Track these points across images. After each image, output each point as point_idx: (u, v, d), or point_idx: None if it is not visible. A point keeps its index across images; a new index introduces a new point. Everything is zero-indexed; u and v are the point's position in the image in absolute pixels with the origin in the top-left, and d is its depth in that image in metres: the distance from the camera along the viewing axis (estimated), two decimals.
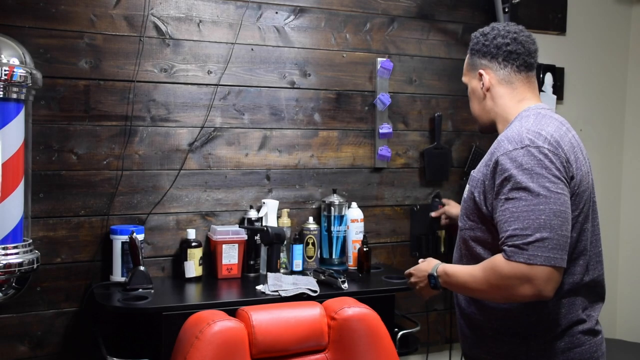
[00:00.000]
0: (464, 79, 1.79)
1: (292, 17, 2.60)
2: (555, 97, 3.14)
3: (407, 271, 1.85)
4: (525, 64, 1.68)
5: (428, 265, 1.74)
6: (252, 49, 2.53)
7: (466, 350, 1.75)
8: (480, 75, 1.71)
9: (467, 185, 1.67)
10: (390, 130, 2.75)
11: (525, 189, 1.45)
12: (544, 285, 1.42)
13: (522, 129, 1.55)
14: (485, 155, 1.63)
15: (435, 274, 1.68)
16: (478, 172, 1.62)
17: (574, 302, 1.57)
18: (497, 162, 1.52)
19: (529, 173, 1.46)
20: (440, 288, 1.70)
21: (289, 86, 2.60)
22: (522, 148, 1.49)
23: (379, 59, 2.74)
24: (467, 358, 1.76)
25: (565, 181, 1.49)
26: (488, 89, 1.70)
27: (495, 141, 1.60)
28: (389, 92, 2.76)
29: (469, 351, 1.73)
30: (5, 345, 2.18)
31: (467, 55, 1.77)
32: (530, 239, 1.41)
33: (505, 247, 1.45)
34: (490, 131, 1.78)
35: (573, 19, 3.23)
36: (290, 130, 2.61)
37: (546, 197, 1.44)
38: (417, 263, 1.82)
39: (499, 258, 1.47)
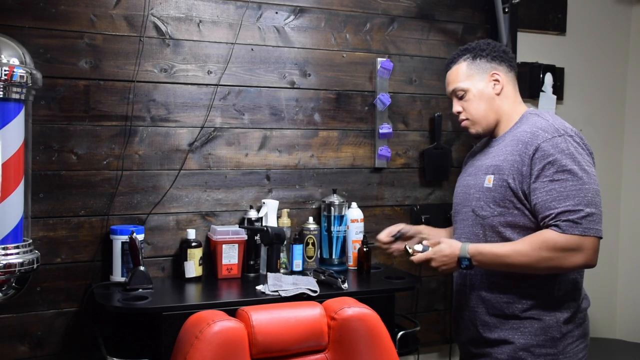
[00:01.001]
0: (463, 84, 1.90)
1: (292, 17, 2.60)
2: (555, 97, 3.14)
3: (423, 257, 1.85)
4: (517, 72, 1.95)
5: (451, 248, 1.80)
6: (252, 49, 2.53)
7: (483, 336, 1.85)
8: (494, 75, 1.88)
9: (492, 176, 1.80)
10: (390, 130, 2.75)
11: (570, 171, 1.67)
12: (592, 254, 1.66)
13: (548, 122, 1.77)
14: (510, 146, 1.79)
15: (467, 255, 1.77)
16: (506, 162, 1.78)
17: (581, 280, 1.84)
18: (537, 149, 1.71)
19: (571, 157, 1.69)
20: (471, 268, 1.79)
21: (289, 86, 2.60)
22: (559, 136, 1.72)
23: (379, 59, 2.74)
24: (484, 344, 1.85)
25: (594, 165, 1.74)
26: (502, 88, 1.89)
27: (523, 133, 1.78)
28: (389, 92, 2.76)
29: (489, 336, 1.83)
30: (5, 345, 2.18)
31: (465, 63, 1.91)
32: (582, 214, 1.64)
33: (559, 222, 1.65)
34: (485, 134, 1.94)
35: (573, 19, 3.23)
36: (290, 130, 2.61)
37: (588, 178, 1.68)
38: (420, 247, 1.88)
39: (549, 233, 1.67)
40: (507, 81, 1.90)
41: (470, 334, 1.90)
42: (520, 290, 1.79)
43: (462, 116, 1.93)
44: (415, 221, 2.80)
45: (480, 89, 1.88)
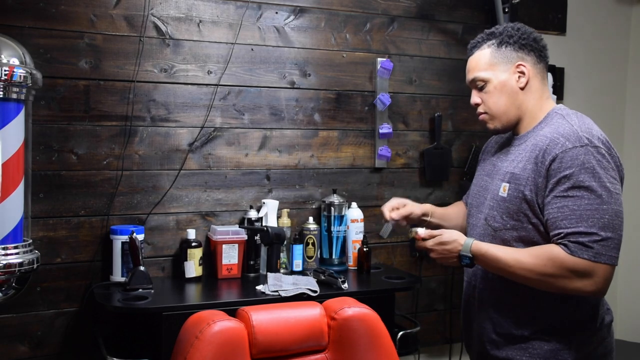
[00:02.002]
0: (484, 74, 1.69)
1: (292, 17, 2.60)
2: (555, 97, 3.13)
3: (422, 247, 1.72)
4: (548, 62, 1.73)
5: (454, 242, 1.65)
6: (252, 49, 2.53)
7: (490, 353, 1.70)
8: (519, 66, 1.67)
9: (507, 184, 1.63)
10: (390, 130, 2.75)
11: (588, 188, 1.49)
12: (603, 282, 1.48)
13: (573, 127, 1.56)
14: (528, 152, 1.61)
15: (469, 254, 1.62)
16: (524, 170, 1.60)
17: (602, 301, 1.65)
18: (554, 159, 1.52)
19: (591, 172, 1.49)
20: (472, 267, 1.66)
21: (289, 86, 2.60)
22: (581, 147, 1.51)
23: (379, 59, 2.74)
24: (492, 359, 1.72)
25: (619, 181, 1.56)
26: (527, 81, 1.67)
27: (543, 138, 1.58)
28: (389, 92, 2.76)
29: (496, 354, 1.68)
30: (5, 345, 2.18)
31: (490, 50, 1.69)
32: (596, 237, 1.47)
33: (568, 243, 1.48)
34: (507, 130, 1.74)
35: (573, 19, 3.23)
36: (290, 130, 2.61)
37: (608, 197, 1.49)
38: (415, 240, 1.74)
39: (557, 249, 1.49)
40: (535, 74, 1.67)
41: (478, 350, 1.77)
42: (531, 311, 1.63)
43: (480, 109, 1.73)
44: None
45: (503, 80, 1.67)
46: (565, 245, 1.49)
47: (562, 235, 1.50)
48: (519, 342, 1.64)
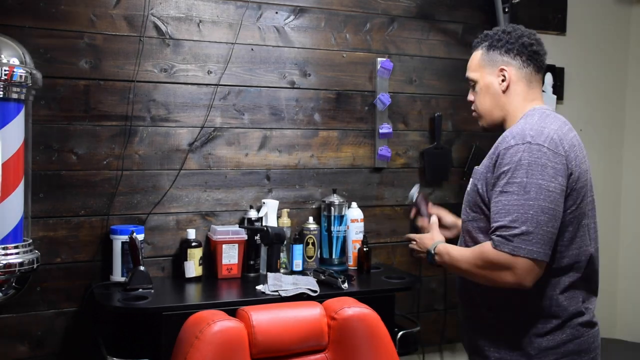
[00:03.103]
0: (473, 74, 1.79)
1: (292, 17, 2.60)
2: (555, 97, 3.14)
3: (410, 235, 1.90)
4: (543, 65, 1.76)
5: (431, 239, 1.82)
6: (252, 49, 2.53)
7: (470, 342, 1.79)
8: (502, 70, 1.73)
9: (471, 179, 1.73)
10: (390, 130, 2.75)
11: (519, 183, 1.53)
12: (524, 275, 1.52)
13: (525, 126, 1.62)
14: (490, 150, 1.68)
15: (432, 251, 1.77)
16: (482, 166, 1.69)
17: (575, 295, 1.64)
18: (498, 156, 1.59)
19: (525, 169, 1.53)
20: (435, 264, 1.78)
21: (289, 86, 2.60)
22: (523, 144, 1.56)
23: (379, 59, 2.74)
24: (471, 350, 1.79)
25: (561, 179, 1.55)
26: (508, 86, 1.73)
27: (501, 136, 1.66)
28: (389, 92, 2.76)
29: (473, 342, 1.76)
30: (5, 345, 2.18)
31: (481, 51, 1.77)
32: (516, 231, 1.51)
33: (494, 237, 1.54)
34: (495, 129, 1.81)
35: (573, 19, 3.23)
36: (290, 130, 2.61)
37: (537, 194, 1.51)
38: (417, 240, 1.88)
39: (487, 245, 1.57)
40: (518, 78, 1.72)
41: (465, 341, 1.85)
42: (490, 301, 1.69)
43: (472, 106, 1.83)
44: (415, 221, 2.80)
45: (487, 82, 1.75)
46: (492, 239, 1.56)
47: (492, 229, 1.57)
48: (484, 330, 1.71)
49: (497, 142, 1.65)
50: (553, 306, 1.63)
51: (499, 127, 1.79)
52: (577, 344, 1.64)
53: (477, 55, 1.78)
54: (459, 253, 1.70)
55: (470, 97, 1.82)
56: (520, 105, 1.74)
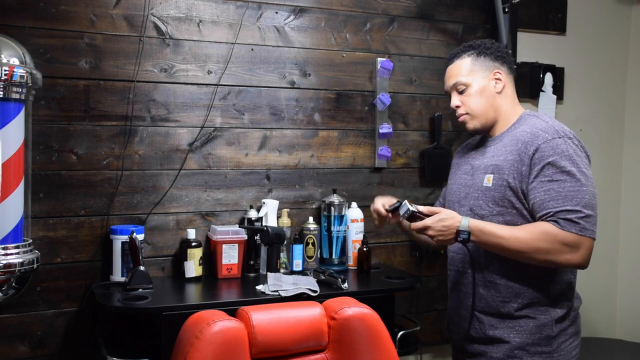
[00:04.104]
0: (466, 79, 1.91)
1: (292, 17, 2.60)
2: (555, 97, 3.14)
3: (421, 224, 1.80)
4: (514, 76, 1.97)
5: (452, 219, 1.77)
6: (252, 49, 2.53)
7: (479, 334, 1.87)
8: (496, 74, 1.91)
9: (490, 175, 1.83)
10: (390, 130, 2.76)
11: (569, 172, 1.70)
12: (588, 254, 1.69)
13: (548, 124, 1.80)
14: (509, 146, 1.82)
15: (467, 229, 1.75)
16: (505, 161, 1.81)
17: (575, 280, 1.87)
18: (537, 149, 1.74)
19: (570, 159, 1.72)
20: (468, 242, 1.76)
21: (289, 86, 2.60)
22: (559, 138, 1.75)
23: (379, 59, 2.74)
24: (478, 342, 1.88)
25: (590, 168, 1.77)
26: (504, 87, 1.91)
27: (523, 133, 1.80)
28: (389, 92, 2.76)
29: (484, 334, 1.86)
30: (5, 345, 2.18)
31: (469, 59, 1.93)
32: (580, 214, 1.67)
33: (558, 220, 1.68)
34: (484, 130, 1.95)
35: (573, 19, 3.23)
36: (290, 130, 2.61)
37: (586, 180, 1.71)
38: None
39: (549, 225, 1.69)
40: (508, 81, 1.93)
41: (464, 332, 1.91)
42: (516, 289, 1.81)
43: (460, 110, 1.93)
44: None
45: (482, 85, 1.90)
46: (555, 221, 1.68)
47: (550, 214, 1.69)
48: (506, 319, 1.82)
49: (522, 138, 1.79)
50: (570, 289, 1.84)
51: (488, 129, 1.94)
52: (578, 325, 1.87)
53: (466, 62, 1.92)
54: (505, 232, 1.73)
55: (457, 101, 1.93)
56: (511, 107, 1.92)
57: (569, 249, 1.67)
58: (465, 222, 1.76)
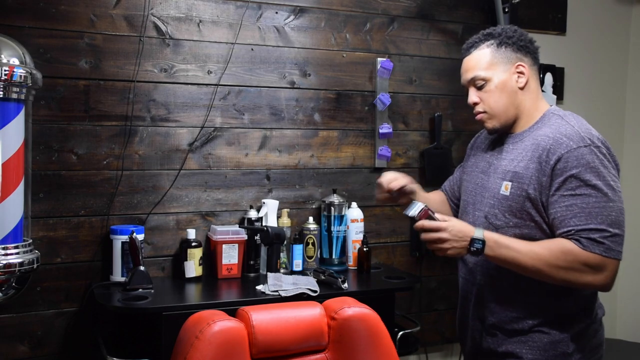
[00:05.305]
0: (485, 73, 1.70)
1: (292, 17, 2.60)
2: (555, 97, 3.14)
3: (435, 225, 1.61)
4: (540, 65, 1.77)
5: (466, 226, 1.61)
6: (252, 49, 2.53)
7: (490, 348, 1.73)
8: (520, 67, 1.69)
9: (508, 182, 1.65)
10: (390, 130, 2.76)
11: (594, 186, 1.53)
12: (611, 276, 1.54)
13: (575, 128, 1.60)
14: (530, 151, 1.63)
15: (482, 237, 1.58)
16: (526, 169, 1.62)
17: (597, 295, 1.72)
18: (559, 159, 1.56)
19: (595, 171, 1.54)
20: (480, 254, 1.59)
21: (289, 86, 2.60)
22: (585, 147, 1.56)
23: (379, 59, 2.74)
24: (489, 356, 1.74)
25: (619, 179, 1.61)
26: (526, 83, 1.70)
27: (545, 138, 1.61)
28: (389, 92, 2.76)
29: (496, 349, 1.71)
30: (5, 345, 2.18)
31: (489, 49, 1.71)
32: (606, 234, 1.52)
33: (580, 239, 1.52)
34: (505, 129, 1.74)
35: (573, 19, 3.23)
36: (290, 130, 2.61)
37: (613, 195, 1.55)
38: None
39: (570, 244, 1.53)
40: (532, 74, 1.71)
41: (475, 345, 1.79)
42: (531, 306, 1.66)
43: (478, 108, 1.74)
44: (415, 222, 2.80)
45: (503, 80, 1.68)
46: (577, 240, 1.52)
47: (572, 232, 1.53)
48: (518, 334, 1.67)
49: (543, 144, 1.60)
50: (590, 302, 1.68)
51: (509, 127, 1.73)
52: (599, 337, 1.70)
53: (486, 54, 1.70)
54: (522, 246, 1.56)
55: (475, 98, 1.73)
56: (534, 103, 1.71)
57: (591, 271, 1.52)
58: (480, 232, 1.60)
